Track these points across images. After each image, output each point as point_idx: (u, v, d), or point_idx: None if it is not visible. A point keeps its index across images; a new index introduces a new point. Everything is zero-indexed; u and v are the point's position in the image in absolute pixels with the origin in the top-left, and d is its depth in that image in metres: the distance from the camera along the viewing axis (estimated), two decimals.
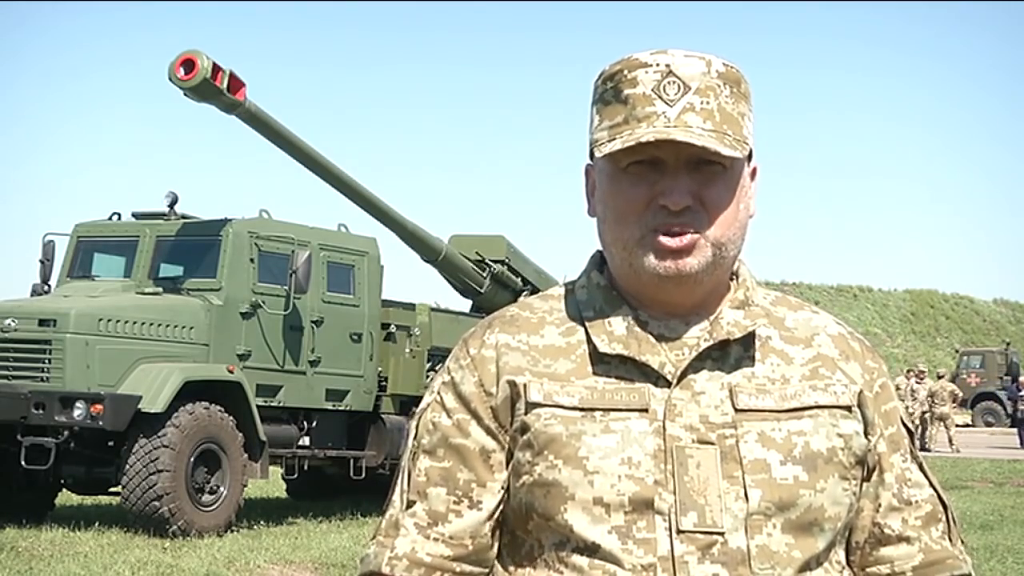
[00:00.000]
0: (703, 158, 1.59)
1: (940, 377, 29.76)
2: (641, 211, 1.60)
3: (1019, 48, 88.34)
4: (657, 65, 1.60)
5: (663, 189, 1.59)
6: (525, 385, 1.62)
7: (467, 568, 1.64)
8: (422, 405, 1.71)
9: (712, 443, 1.57)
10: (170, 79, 11.30)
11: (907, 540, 1.68)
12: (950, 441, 27.45)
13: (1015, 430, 30.73)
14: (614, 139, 1.60)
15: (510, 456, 1.63)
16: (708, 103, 1.59)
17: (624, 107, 1.60)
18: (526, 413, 1.61)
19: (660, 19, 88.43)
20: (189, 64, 11.26)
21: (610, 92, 1.63)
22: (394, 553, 1.64)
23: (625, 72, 1.61)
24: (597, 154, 1.63)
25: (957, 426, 28.56)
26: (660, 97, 1.59)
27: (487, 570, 1.66)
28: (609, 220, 1.64)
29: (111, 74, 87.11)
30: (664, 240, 1.59)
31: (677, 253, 1.59)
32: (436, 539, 1.63)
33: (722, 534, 1.54)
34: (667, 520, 1.54)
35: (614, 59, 1.65)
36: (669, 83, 1.59)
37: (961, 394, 29.06)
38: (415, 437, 1.69)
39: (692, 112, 1.58)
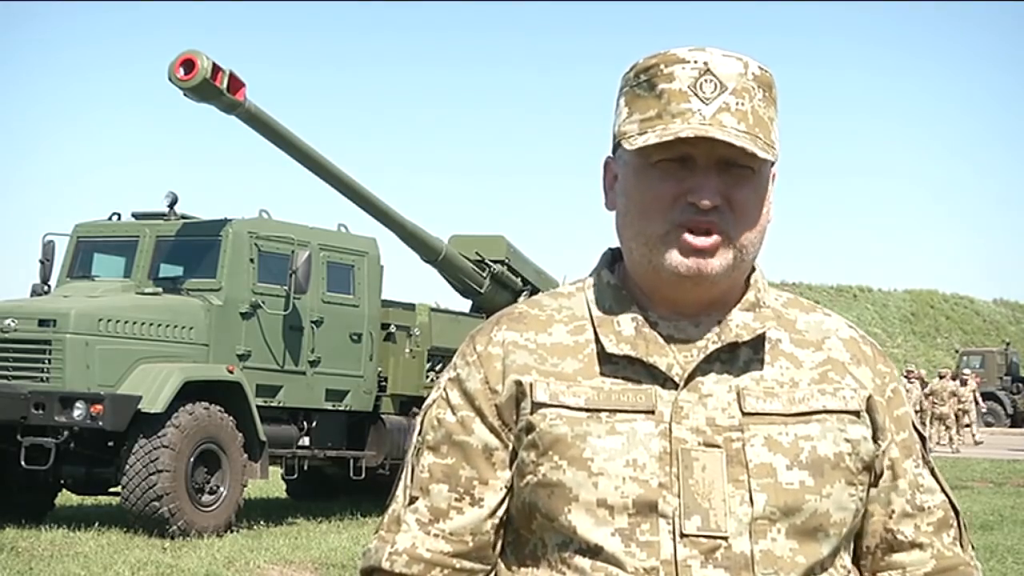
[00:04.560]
0: (733, 160, 1.57)
1: (941, 377, 29.73)
2: (667, 207, 1.58)
3: (1019, 48, 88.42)
4: (695, 62, 1.58)
5: (692, 186, 1.57)
6: (531, 384, 1.61)
7: (467, 564, 1.63)
8: (428, 401, 1.71)
9: (718, 446, 1.56)
10: (170, 79, 11.30)
11: (920, 546, 1.67)
12: (951, 441, 27.43)
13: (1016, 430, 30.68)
14: (646, 132, 1.57)
15: (514, 455, 1.62)
16: (743, 104, 1.57)
17: (658, 101, 1.58)
18: (531, 413, 1.60)
19: (660, 19, 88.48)
20: (189, 64, 11.26)
21: (643, 85, 1.60)
22: (394, 548, 1.63)
23: (661, 66, 1.59)
24: (626, 147, 1.59)
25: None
26: (696, 94, 1.56)
27: (489, 567, 1.66)
28: (632, 214, 1.61)
29: (111, 74, 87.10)
30: (690, 238, 1.57)
31: (700, 252, 1.57)
32: (436, 535, 1.63)
33: (726, 538, 1.53)
34: (671, 523, 1.53)
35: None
36: (706, 81, 1.57)
37: (959, 395, 28.85)
38: (420, 433, 1.69)
39: (727, 112, 1.56)
